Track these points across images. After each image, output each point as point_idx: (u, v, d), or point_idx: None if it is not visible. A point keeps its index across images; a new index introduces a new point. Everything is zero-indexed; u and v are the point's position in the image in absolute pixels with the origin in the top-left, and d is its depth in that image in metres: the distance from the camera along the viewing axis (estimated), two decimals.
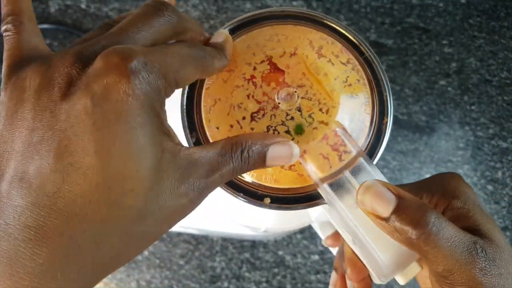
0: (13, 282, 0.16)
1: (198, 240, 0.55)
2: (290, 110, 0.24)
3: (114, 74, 0.17)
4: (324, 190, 0.23)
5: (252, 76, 0.24)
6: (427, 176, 0.56)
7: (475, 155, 0.58)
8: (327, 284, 0.53)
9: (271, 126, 0.24)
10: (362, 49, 0.27)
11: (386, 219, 0.20)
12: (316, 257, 0.54)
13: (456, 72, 0.61)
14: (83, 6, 0.64)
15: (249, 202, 0.24)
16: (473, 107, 0.60)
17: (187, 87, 0.26)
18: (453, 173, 0.26)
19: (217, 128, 0.24)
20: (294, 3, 0.64)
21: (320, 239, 0.54)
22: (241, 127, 0.24)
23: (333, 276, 0.29)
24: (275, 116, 0.24)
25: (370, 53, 0.27)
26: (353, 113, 0.24)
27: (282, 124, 0.24)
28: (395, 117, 0.59)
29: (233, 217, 0.36)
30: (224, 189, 0.24)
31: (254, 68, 0.25)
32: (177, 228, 0.52)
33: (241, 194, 0.24)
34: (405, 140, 0.58)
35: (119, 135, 0.17)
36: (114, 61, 0.18)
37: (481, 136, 0.58)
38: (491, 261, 0.20)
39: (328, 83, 0.25)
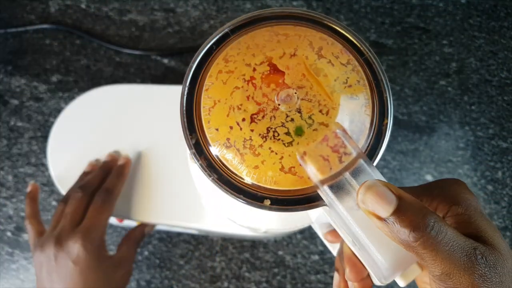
0: None
1: (198, 240, 0.55)
2: (290, 111, 0.24)
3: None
4: (324, 192, 0.23)
5: (252, 77, 0.24)
6: (427, 176, 0.56)
7: (475, 155, 0.58)
8: (327, 284, 0.53)
9: (271, 128, 0.24)
10: (362, 49, 0.27)
11: (385, 220, 0.20)
12: (316, 257, 0.54)
13: (456, 72, 0.61)
14: (83, 6, 0.64)
15: (249, 204, 0.24)
16: (473, 107, 0.60)
17: (186, 89, 0.26)
18: (456, 179, 0.25)
19: (217, 129, 0.24)
20: (294, 3, 0.64)
21: (320, 239, 0.54)
22: (241, 129, 0.24)
23: (336, 277, 0.29)
24: (275, 117, 0.24)
25: (370, 54, 0.26)
26: (353, 114, 0.24)
27: (282, 125, 0.24)
28: (395, 117, 0.59)
29: (233, 218, 0.36)
30: (225, 191, 0.24)
31: (254, 69, 0.25)
32: (177, 228, 0.52)
33: (241, 196, 0.24)
34: (405, 140, 0.58)
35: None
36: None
37: (481, 136, 0.58)
38: (492, 268, 0.20)
39: (328, 84, 0.24)
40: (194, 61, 0.26)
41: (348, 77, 0.25)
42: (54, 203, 0.56)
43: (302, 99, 0.24)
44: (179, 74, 0.60)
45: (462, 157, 0.57)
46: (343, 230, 0.24)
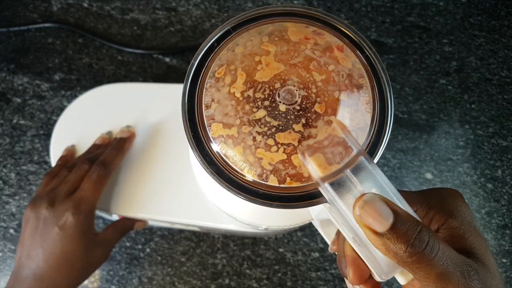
0: None
1: (199, 237, 0.55)
2: (291, 108, 0.24)
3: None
4: (325, 189, 0.23)
5: (253, 74, 0.25)
6: (427, 174, 0.56)
7: (475, 154, 0.58)
8: (327, 281, 0.53)
9: (272, 124, 0.24)
10: (363, 47, 0.27)
11: (380, 234, 0.20)
12: (317, 254, 0.54)
13: (456, 70, 0.61)
14: (85, 4, 0.64)
15: (251, 200, 0.24)
16: (473, 106, 0.60)
17: (188, 86, 0.26)
18: (453, 190, 0.26)
19: (218, 126, 0.24)
20: (296, 1, 0.65)
21: (321, 237, 0.54)
22: (242, 126, 0.24)
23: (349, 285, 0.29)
24: (276, 114, 0.24)
25: (371, 52, 0.27)
26: (354, 112, 0.25)
27: (282, 122, 0.24)
28: (395, 116, 0.59)
29: (234, 215, 0.36)
30: (226, 188, 0.24)
31: (255, 67, 0.25)
32: (178, 225, 0.52)
33: (242, 193, 0.24)
34: (405, 139, 0.58)
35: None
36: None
37: (481, 135, 0.59)
38: (483, 285, 0.21)
39: (329, 81, 0.25)
40: (196, 58, 0.26)
41: (349, 75, 0.25)
42: None
43: (303, 96, 0.24)
44: (181, 73, 0.61)
45: (462, 155, 0.58)
46: (343, 227, 0.24)
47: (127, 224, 0.48)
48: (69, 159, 0.49)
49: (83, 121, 0.52)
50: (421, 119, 0.59)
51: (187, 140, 0.25)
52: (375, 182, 0.22)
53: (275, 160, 0.23)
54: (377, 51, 0.27)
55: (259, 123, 0.24)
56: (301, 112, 0.24)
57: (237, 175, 0.24)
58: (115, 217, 0.50)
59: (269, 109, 0.24)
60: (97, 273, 0.54)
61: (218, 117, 0.24)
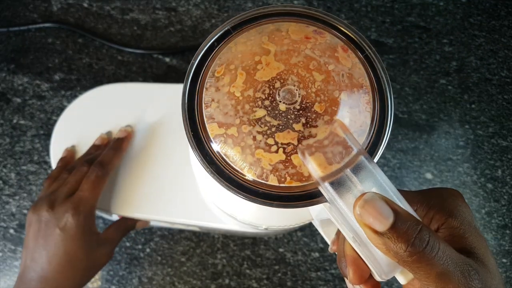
0: None
1: (199, 237, 0.55)
2: (291, 108, 0.24)
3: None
4: (325, 188, 0.23)
5: (253, 74, 0.25)
6: (427, 174, 0.56)
7: (475, 154, 0.58)
8: (327, 281, 0.53)
9: (272, 124, 0.24)
10: (363, 47, 0.27)
11: (381, 234, 0.20)
12: (317, 254, 0.54)
13: (456, 71, 0.61)
14: (85, 4, 0.64)
15: (251, 200, 0.24)
16: (473, 106, 0.60)
17: (188, 86, 0.26)
18: (453, 190, 0.26)
19: (218, 126, 0.24)
20: (296, 1, 0.65)
21: (321, 237, 0.54)
22: (242, 125, 0.24)
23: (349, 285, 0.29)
24: (276, 114, 0.24)
25: (371, 51, 0.27)
26: (354, 111, 0.25)
27: (282, 122, 0.24)
28: (395, 116, 0.59)
29: (234, 215, 0.36)
30: (226, 187, 0.24)
31: (255, 66, 0.25)
32: (178, 225, 0.52)
33: (242, 192, 0.24)
34: (405, 139, 0.58)
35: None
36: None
37: (481, 135, 0.59)
38: (483, 285, 0.21)
39: (329, 80, 0.25)
40: (196, 58, 0.26)
41: (349, 74, 0.25)
42: None
43: (303, 96, 0.24)
44: (181, 73, 0.61)
45: (462, 155, 0.58)
46: (343, 226, 0.24)
47: (129, 223, 0.49)
48: (69, 160, 0.50)
49: (83, 121, 0.52)
50: (421, 119, 0.59)
51: (187, 139, 0.25)
52: (375, 182, 0.22)
53: (274, 160, 0.24)
54: (377, 51, 0.27)
55: (259, 122, 0.24)
56: (301, 111, 0.24)
57: (237, 175, 0.24)
58: (115, 217, 0.50)
59: (269, 108, 0.24)
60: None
61: (218, 116, 0.24)
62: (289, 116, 0.24)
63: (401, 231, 0.20)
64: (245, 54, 0.25)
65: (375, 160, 0.24)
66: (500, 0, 0.64)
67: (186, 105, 0.25)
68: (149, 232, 0.55)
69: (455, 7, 0.64)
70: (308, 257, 0.54)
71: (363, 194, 0.21)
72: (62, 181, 0.45)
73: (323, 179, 0.23)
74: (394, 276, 0.24)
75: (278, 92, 0.24)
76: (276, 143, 0.24)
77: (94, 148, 0.49)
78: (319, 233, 0.38)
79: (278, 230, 0.48)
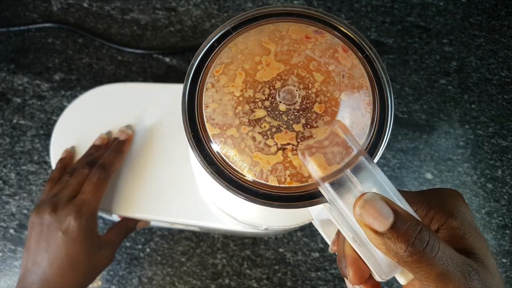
0: None
1: (199, 237, 0.55)
2: (291, 108, 0.24)
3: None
4: (325, 189, 0.23)
5: (253, 74, 0.25)
6: (427, 174, 0.56)
7: (475, 154, 0.58)
8: (327, 281, 0.53)
9: (272, 125, 0.24)
10: (363, 47, 0.27)
11: (380, 234, 0.20)
12: (317, 254, 0.54)
13: (456, 71, 0.61)
14: (85, 4, 0.64)
15: (250, 200, 0.24)
16: (473, 106, 0.60)
17: (188, 86, 0.26)
18: (453, 190, 0.26)
19: (218, 126, 0.24)
20: (296, 1, 0.65)
21: (321, 237, 0.54)
22: (242, 126, 0.24)
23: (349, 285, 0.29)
24: (276, 114, 0.24)
25: (371, 51, 0.27)
26: (354, 112, 0.25)
27: (283, 122, 0.24)
28: (395, 116, 0.59)
29: (234, 215, 0.36)
30: (226, 188, 0.24)
31: (255, 66, 0.25)
32: (178, 225, 0.52)
33: (243, 193, 0.24)
34: (405, 139, 0.58)
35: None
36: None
37: (481, 135, 0.59)
38: (483, 285, 0.21)
39: (329, 81, 0.25)
40: (196, 58, 0.26)
41: (349, 74, 0.25)
42: None
43: (303, 96, 0.24)
44: (181, 73, 0.61)
45: (462, 155, 0.58)
46: (343, 226, 0.24)
47: (130, 224, 0.49)
48: (68, 161, 0.50)
49: (83, 121, 0.52)
50: (421, 119, 0.59)
51: (187, 140, 0.25)
52: (375, 182, 0.22)
53: (274, 161, 0.23)
54: (377, 51, 0.27)
55: (259, 123, 0.24)
56: (301, 112, 0.24)
57: (237, 175, 0.24)
58: (115, 218, 0.50)
59: (269, 109, 0.24)
60: None
61: (218, 117, 0.24)
62: (289, 117, 0.24)
63: (401, 231, 0.20)
64: (245, 55, 0.25)
65: (375, 160, 0.24)
66: (500, 0, 0.64)
67: (186, 106, 0.25)
68: (149, 232, 0.55)
69: (455, 7, 0.64)
70: (308, 257, 0.54)
71: (363, 194, 0.21)
72: (64, 184, 0.45)
73: (323, 179, 0.23)
74: (394, 277, 0.24)
75: (278, 93, 0.24)
76: (276, 143, 0.24)
77: (94, 148, 0.49)
78: (319, 233, 0.38)
79: (278, 230, 0.48)
